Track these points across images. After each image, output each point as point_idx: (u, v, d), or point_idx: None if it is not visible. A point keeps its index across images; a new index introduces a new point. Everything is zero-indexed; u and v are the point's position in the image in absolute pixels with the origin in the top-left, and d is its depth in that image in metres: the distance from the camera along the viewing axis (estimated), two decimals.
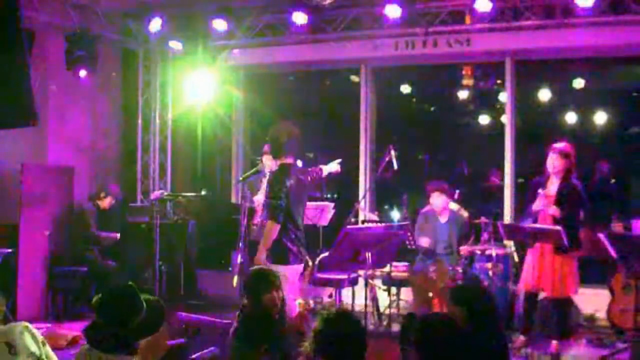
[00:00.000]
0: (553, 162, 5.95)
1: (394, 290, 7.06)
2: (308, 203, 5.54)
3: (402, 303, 7.17)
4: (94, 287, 7.33)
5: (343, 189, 9.74)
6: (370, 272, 5.91)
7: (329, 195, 9.27)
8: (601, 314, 6.67)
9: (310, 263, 5.39)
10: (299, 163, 5.53)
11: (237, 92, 9.42)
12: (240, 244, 6.52)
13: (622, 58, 8.45)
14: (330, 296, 7.28)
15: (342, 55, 8.46)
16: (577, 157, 6.03)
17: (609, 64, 9.08)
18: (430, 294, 6.35)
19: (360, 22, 7.99)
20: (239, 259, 6.52)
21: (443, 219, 6.76)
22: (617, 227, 6.36)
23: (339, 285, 6.74)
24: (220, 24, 7.87)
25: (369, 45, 8.19)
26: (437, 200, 6.72)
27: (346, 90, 9.68)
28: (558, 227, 5.58)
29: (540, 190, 5.90)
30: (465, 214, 6.90)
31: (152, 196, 8.50)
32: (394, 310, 6.97)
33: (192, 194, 9.19)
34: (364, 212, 8.28)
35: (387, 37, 8.02)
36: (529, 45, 7.69)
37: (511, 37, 7.57)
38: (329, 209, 7.03)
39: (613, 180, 9.33)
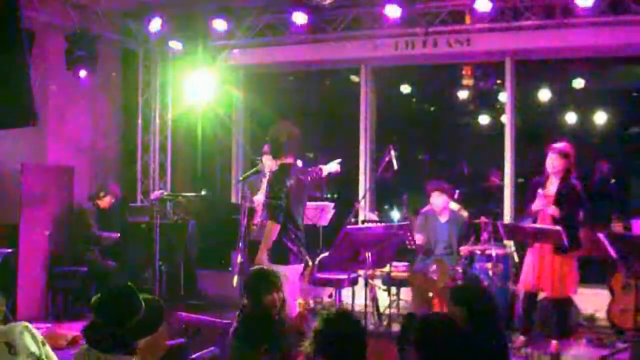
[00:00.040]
0: (552, 162, 5.95)
1: (394, 290, 7.06)
2: (308, 203, 5.54)
3: (402, 303, 7.17)
4: (94, 287, 7.33)
5: (343, 189, 9.74)
6: (370, 272, 5.91)
7: (329, 195, 9.27)
8: (601, 314, 6.67)
9: (310, 263, 5.39)
10: (299, 163, 5.52)
11: (237, 92, 9.42)
12: (240, 244, 6.51)
13: (622, 58, 8.45)
14: (330, 296, 7.28)
15: (342, 55, 8.46)
16: (576, 157, 6.03)
17: (609, 64, 9.09)
18: (430, 294, 6.35)
19: (360, 22, 7.99)
20: (239, 259, 6.52)
21: (443, 219, 6.76)
22: (617, 227, 6.36)
23: (339, 285, 6.74)
24: (220, 24, 7.87)
25: (369, 45, 8.19)
26: (438, 200, 6.72)
27: (346, 90, 9.69)
28: (558, 227, 5.58)
29: (539, 190, 5.90)
30: (465, 213, 6.90)
31: (152, 196, 8.50)
32: (394, 310, 6.97)
33: (192, 194, 9.20)
34: (364, 212, 8.28)
35: (387, 37, 8.02)
36: (529, 45, 7.69)
37: (511, 37, 7.57)
38: (329, 209, 7.03)
39: (613, 180, 9.34)
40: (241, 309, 4.06)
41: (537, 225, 5.86)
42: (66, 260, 7.56)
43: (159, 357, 3.01)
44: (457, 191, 7.09)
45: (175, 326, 4.64)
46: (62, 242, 7.66)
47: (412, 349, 2.83)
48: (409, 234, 6.74)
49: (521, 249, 6.54)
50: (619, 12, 6.88)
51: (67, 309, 7.47)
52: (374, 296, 6.95)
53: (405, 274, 6.91)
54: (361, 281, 6.41)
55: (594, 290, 6.83)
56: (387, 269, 6.54)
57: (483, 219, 6.55)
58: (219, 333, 4.45)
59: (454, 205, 6.89)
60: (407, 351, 2.87)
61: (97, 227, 7.66)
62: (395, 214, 9.29)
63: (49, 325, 6.67)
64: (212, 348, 4.17)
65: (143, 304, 2.85)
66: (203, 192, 9.99)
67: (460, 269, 6.32)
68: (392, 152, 6.41)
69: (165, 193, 8.78)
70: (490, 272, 6.36)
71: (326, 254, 6.79)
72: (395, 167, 6.44)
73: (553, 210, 5.82)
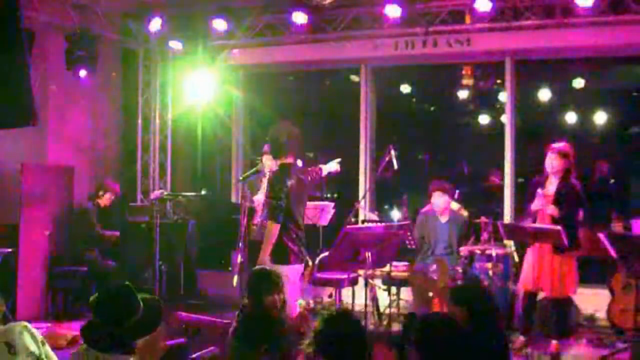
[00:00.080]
0: (552, 162, 5.95)
1: (394, 290, 7.05)
2: (308, 203, 5.54)
3: (402, 303, 7.16)
4: (94, 287, 7.33)
5: (343, 189, 9.74)
6: (370, 272, 5.90)
7: (329, 195, 9.28)
8: (601, 314, 6.67)
9: (310, 263, 5.39)
10: (299, 163, 5.52)
11: (237, 92, 9.42)
12: (240, 244, 6.50)
13: (622, 58, 8.45)
14: (330, 296, 7.28)
15: (342, 55, 8.46)
16: (576, 157, 6.03)
17: (609, 64, 9.09)
18: (430, 294, 6.35)
19: (360, 22, 7.99)
20: (239, 259, 6.51)
21: (443, 219, 6.75)
22: (617, 227, 6.36)
23: (339, 285, 6.74)
24: (220, 24, 7.87)
25: (369, 45, 8.19)
26: (439, 200, 6.71)
27: (346, 90, 9.68)
28: (558, 227, 5.57)
29: (538, 190, 5.90)
30: (465, 213, 6.90)
31: (152, 196, 8.50)
32: (394, 310, 6.96)
33: (192, 193, 9.20)
34: (364, 212, 8.28)
35: (387, 37, 8.02)
36: (529, 45, 7.69)
37: (511, 37, 7.57)
38: (329, 208, 7.02)
39: (612, 180, 9.34)
40: (241, 309, 4.06)
41: (537, 225, 5.86)
42: (66, 260, 7.56)
43: (159, 357, 3.01)
44: (457, 191, 7.09)
45: (175, 326, 4.64)
46: (62, 242, 7.66)
47: (412, 349, 2.82)
48: (409, 234, 6.76)
49: (521, 249, 6.54)
50: (619, 12, 6.88)
51: (67, 309, 7.47)
52: (374, 296, 6.94)
53: (405, 274, 6.91)
54: (361, 281, 6.41)
55: (594, 290, 6.83)
56: (387, 268, 6.54)
57: (483, 219, 6.54)
58: (219, 333, 4.45)
59: (454, 205, 6.89)
60: (408, 351, 2.87)
61: (100, 227, 7.67)
62: (395, 214, 9.28)
63: (48, 325, 6.66)
64: (212, 348, 4.16)
65: (141, 303, 2.85)
66: (203, 192, 9.99)
67: (460, 269, 6.31)
68: (392, 152, 6.40)
69: (165, 193, 8.77)
70: (490, 272, 6.35)
71: (326, 254, 6.78)
72: (395, 167, 6.44)
73: (552, 210, 5.82)
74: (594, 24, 7.06)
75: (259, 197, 6.54)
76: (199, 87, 8.68)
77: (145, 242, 8.20)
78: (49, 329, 6.36)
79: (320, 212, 6.95)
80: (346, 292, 6.89)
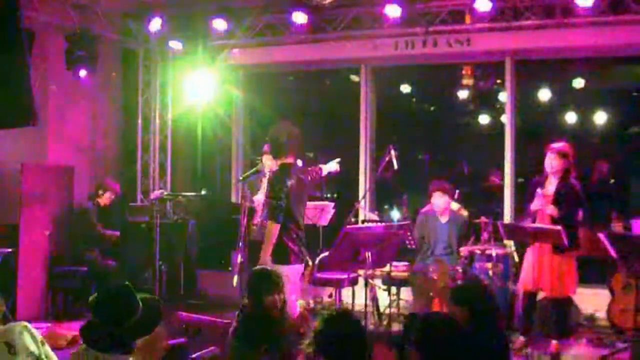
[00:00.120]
0: (551, 162, 5.95)
1: (394, 290, 7.05)
2: (308, 203, 5.54)
3: (402, 303, 7.16)
4: (94, 287, 7.33)
5: (343, 189, 9.74)
6: (370, 272, 5.90)
7: (328, 195, 9.28)
8: (601, 314, 6.67)
9: (310, 263, 5.39)
10: (299, 163, 5.52)
11: (237, 91, 9.42)
12: (240, 244, 6.50)
13: (622, 58, 8.45)
14: (330, 296, 7.28)
15: (342, 55, 8.46)
16: (576, 157, 6.03)
17: (609, 64, 9.09)
18: (431, 294, 6.34)
19: (360, 22, 7.99)
20: (239, 259, 6.51)
21: (443, 219, 6.75)
22: (617, 227, 6.36)
23: (339, 285, 6.74)
24: (220, 24, 7.88)
25: (369, 45, 8.19)
26: (439, 200, 6.71)
27: (346, 90, 9.68)
28: (558, 227, 5.57)
29: (538, 190, 5.89)
30: (465, 213, 6.90)
31: (152, 196, 8.50)
32: (394, 310, 6.96)
33: (192, 193, 9.20)
34: (364, 212, 8.28)
35: (387, 37, 8.02)
36: (529, 45, 7.69)
37: (511, 37, 7.57)
38: (329, 208, 7.02)
39: (612, 180, 9.34)
40: (241, 308, 4.06)
41: (537, 225, 5.86)
42: (66, 260, 7.56)
43: (161, 357, 3.01)
44: (457, 191, 7.09)
45: (175, 326, 4.64)
46: (62, 242, 7.66)
47: (412, 349, 2.82)
48: (409, 234, 6.75)
49: (521, 249, 6.54)
50: (619, 12, 6.88)
51: (67, 309, 7.47)
52: (374, 296, 6.94)
53: (405, 274, 6.91)
54: (361, 281, 6.41)
55: (594, 290, 6.83)
56: (387, 268, 6.54)
57: (483, 219, 6.54)
58: (219, 333, 4.46)
59: (454, 205, 6.88)
60: (408, 351, 2.87)
61: (101, 226, 7.67)
62: (395, 214, 9.28)
63: (48, 325, 6.66)
64: (212, 348, 4.16)
65: (141, 303, 2.85)
66: (203, 192, 9.99)
67: (460, 269, 6.31)
68: (392, 152, 6.40)
69: (165, 193, 8.78)
70: (490, 272, 6.35)
71: (326, 254, 6.78)
72: (395, 167, 6.44)
73: (551, 209, 5.82)
74: (594, 24, 7.06)
75: (259, 197, 6.54)
76: (199, 87, 8.68)
77: (145, 242, 8.20)
78: (49, 329, 6.36)
79: (320, 212, 6.95)
80: (346, 292, 6.89)
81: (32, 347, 3.00)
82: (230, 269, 8.21)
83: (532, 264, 5.94)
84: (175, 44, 8.52)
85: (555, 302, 5.95)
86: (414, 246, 6.82)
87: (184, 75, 8.89)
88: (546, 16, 7.24)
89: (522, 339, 5.97)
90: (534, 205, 5.90)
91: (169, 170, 9.38)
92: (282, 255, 4.89)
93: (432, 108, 12.11)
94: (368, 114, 8.73)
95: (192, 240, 8.70)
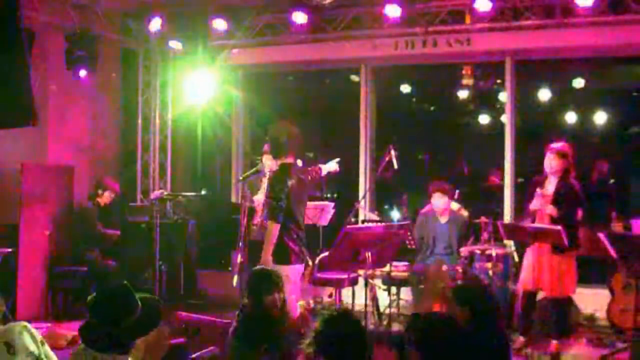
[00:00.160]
0: (550, 162, 5.95)
1: (394, 290, 7.05)
2: (308, 203, 5.54)
3: (402, 303, 7.16)
4: (94, 287, 7.32)
5: (343, 189, 9.73)
6: (370, 272, 5.90)
7: (328, 195, 9.27)
8: (601, 314, 6.66)
9: (310, 263, 5.39)
10: (299, 163, 5.52)
11: (236, 91, 9.42)
12: (240, 244, 6.50)
13: (622, 58, 8.45)
14: (330, 296, 7.27)
15: (342, 55, 8.46)
16: (576, 157, 6.03)
17: (609, 64, 9.09)
18: (431, 294, 6.33)
19: (360, 22, 7.99)
20: (239, 259, 6.51)
21: (443, 219, 6.76)
22: (617, 226, 6.36)
23: (339, 285, 6.73)
24: (220, 24, 7.88)
25: (369, 45, 8.18)
26: (439, 201, 6.72)
27: (346, 90, 9.68)
28: (558, 227, 5.57)
29: (537, 190, 5.89)
30: (465, 213, 6.90)
31: (152, 196, 8.50)
32: (394, 310, 6.96)
33: (192, 193, 9.20)
34: (364, 212, 8.28)
35: (387, 37, 8.02)
36: (529, 45, 7.68)
37: (511, 37, 7.57)
38: (329, 208, 7.02)
39: (612, 180, 9.34)
40: (241, 308, 4.06)
41: (537, 225, 5.86)
42: (66, 260, 7.55)
43: (161, 357, 3.01)
44: (457, 191, 7.09)
45: (176, 326, 4.64)
46: (62, 242, 7.65)
47: (412, 349, 2.82)
48: (409, 234, 6.75)
49: (521, 249, 6.54)
50: (619, 12, 6.88)
51: (67, 308, 7.47)
52: (374, 296, 6.94)
53: (405, 274, 6.91)
54: (361, 281, 6.40)
55: (594, 290, 6.83)
56: (387, 268, 6.54)
57: (483, 219, 6.54)
58: (219, 333, 4.45)
59: (454, 206, 6.89)
60: (408, 351, 2.87)
61: (101, 225, 7.67)
62: (395, 214, 9.28)
63: (48, 325, 6.65)
64: (212, 348, 4.16)
65: (139, 303, 2.84)
66: (203, 192, 9.99)
67: (460, 269, 6.31)
68: (392, 152, 6.40)
69: (165, 193, 8.77)
70: (490, 272, 6.35)
71: (326, 254, 6.78)
72: (395, 166, 6.44)
73: (551, 209, 5.82)
74: (594, 24, 7.06)
75: (259, 197, 6.54)
76: (199, 87, 8.67)
77: (145, 242, 8.19)
78: (49, 329, 6.36)
79: (320, 212, 6.96)
80: (346, 292, 6.89)
81: (32, 347, 3.00)
82: (230, 269, 8.21)
83: (532, 263, 5.94)
84: (175, 44, 8.52)
85: (555, 302, 5.94)
86: (414, 246, 6.82)
87: (184, 75, 8.88)
88: (546, 16, 7.24)
89: (522, 338, 5.96)
90: (533, 205, 5.90)
91: (169, 170, 9.38)
92: (282, 255, 4.89)
93: (432, 108, 12.11)
94: (368, 114, 8.72)
95: (192, 240, 8.70)
